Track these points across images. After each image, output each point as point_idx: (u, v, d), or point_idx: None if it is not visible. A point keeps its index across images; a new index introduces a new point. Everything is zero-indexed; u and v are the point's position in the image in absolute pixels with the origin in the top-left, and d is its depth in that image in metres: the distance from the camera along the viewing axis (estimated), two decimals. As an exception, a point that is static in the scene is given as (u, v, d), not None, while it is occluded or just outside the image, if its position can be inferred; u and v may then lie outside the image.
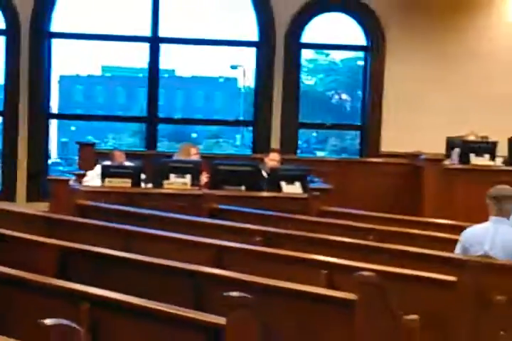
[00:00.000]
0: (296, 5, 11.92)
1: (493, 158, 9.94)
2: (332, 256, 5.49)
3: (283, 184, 8.27)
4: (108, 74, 14.25)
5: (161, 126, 12.23)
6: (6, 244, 5.73)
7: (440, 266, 5.33)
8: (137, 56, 12.18)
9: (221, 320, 3.58)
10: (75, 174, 8.69)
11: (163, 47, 11.93)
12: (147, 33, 11.77)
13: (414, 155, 10.67)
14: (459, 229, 6.12)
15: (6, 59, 11.39)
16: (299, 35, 12.12)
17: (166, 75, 12.85)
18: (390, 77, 12.15)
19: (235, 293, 3.61)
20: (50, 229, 6.51)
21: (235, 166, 8.64)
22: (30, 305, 4.14)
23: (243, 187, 8.19)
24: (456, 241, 5.99)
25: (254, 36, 12.08)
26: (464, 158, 9.94)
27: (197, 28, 12.01)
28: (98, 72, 14.08)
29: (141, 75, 12.27)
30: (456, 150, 10.17)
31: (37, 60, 11.45)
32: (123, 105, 13.73)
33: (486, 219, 5.90)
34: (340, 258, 5.36)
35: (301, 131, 12.44)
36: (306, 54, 12.79)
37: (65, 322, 3.01)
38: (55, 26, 11.61)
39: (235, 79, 13.66)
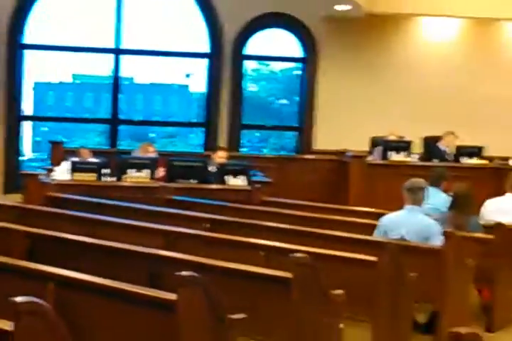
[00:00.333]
0: (242, 22, 11.94)
1: (409, 154, 10.07)
2: (271, 239, 5.52)
3: (229, 177, 8.28)
4: (78, 81, 14.09)
5: (122, 127, 12.20)
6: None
7: (363, 247, 5.38)
8: (103, 65, 12.09)
9: (172, 296, 3.57)
10: (46, 169, 8.62)
11: (125, 58, 11.89)
12: (111, 45, 11.71)
13: (342, 153, 10.75)
14: (379, 216, 6.20)
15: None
16: (244, 48, 12.15)
17: (127, 82, 12.77)
18: (322, 84, 12.22)
19: (184, 273, 3.60)
20: (23, 218, 6.42)
21: (187, 162, 8.64)
22: (2, 284, 4.08)
23: (195, 181, 8.18)
24: (376, 226, 6.06)
25: (206, 48, 12.08)
26: (384, 155, 10.04)
27: (155, 41, 11.96)
28: (69, 80, 13.89)
29: (106, 82, 12.18)
30: (378, 148, 10.27)
31: (12, 69, 11.32)
32: (90, 108, 13.58)
33: (401, 207, 5.99)
34: (278, 242, 5.39)
35: (245, 131, 12.47)
36: (250, 64, 12.78)
37: (33, 299, 2.98)
38: (28, 38, 11.47)
39: (188, 86, 13.59)
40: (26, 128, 12.18)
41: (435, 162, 9.95)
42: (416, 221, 5.82)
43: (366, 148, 10.75)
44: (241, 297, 4.28)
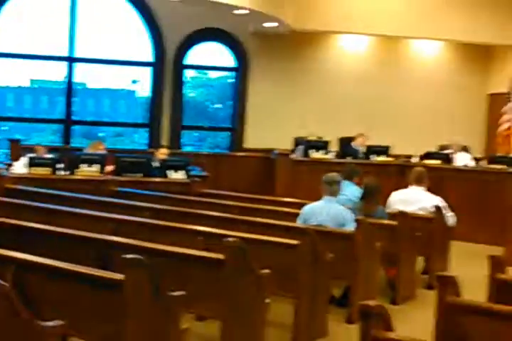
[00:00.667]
0: (182, 35, 11.91)
1: (326, 152, 10.17)
2: (207, 226, 5.51)
3: (170, 172, 8.25)
4: (35, 86, 13.83)
5: (75, 127, 12.05)
6: None
7: (287, 233, 5.41)
8: (58, 72, 11.94)
9: (120, 277, 3.55)
10: (5, 164, 8.45)
11: (78, 65, 11.77)
12: (66, 53, 11.57)
13: (269, 151, 10.77)
14: (301, 206, 6.25)
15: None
16: (184, 59, 12.12)
17: (80, 87, 12.60)
18: (252, 91, 12.26)
19: (130, 256, 3.58)
20: (-16, 208, 6.31)
21: (133, 158, 8.56)
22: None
23: (140, 175, 8.12)
24: (298, 215, 6.11)
25: (150, 58, 12.01)
26: (305, 153, 10.11)
27: (105, 51, 11.86)
28: (27, 84, 13.63)
29: (60, 87, 12.01)
30: (300, 147, 10.34)
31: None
32: (45, 110, 13.33)
33: (320, 198, 6.05)
34: (213, 228, 5.39)
35: (184, 131, 12.44)
36: (189, 73, 12.74)
37: (-6, 280, 2.92)
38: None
39: (135, 91, 13.47)
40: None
41: (349, 159, 10.05)
42: (332, 210, 5.89)
43: (290, 146, 10.83)
44: (181, 276, 4.28)
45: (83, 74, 12.19)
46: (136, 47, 12.04)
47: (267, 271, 4.45)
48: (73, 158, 8.17)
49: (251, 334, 4.31)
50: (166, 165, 8.36)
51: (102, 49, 11.85)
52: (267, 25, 11.33)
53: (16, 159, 8.86)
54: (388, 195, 7.15)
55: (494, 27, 11.85)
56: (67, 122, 11.83)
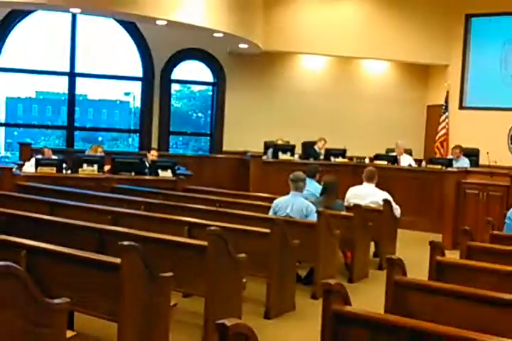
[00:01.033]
0: (168, 54, 11.85)
1: (292, 154, 10.20)
2: (192, 217, 5.51)
3: (159, 171, 8.22)
4: (41, 97, 13.70)
5: (77, 132, 11.97)
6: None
7: (260, 222, 5.42)
8: (61, 85, 11.85)
9: (117, 260, 3.54)
10: (17, 164, 8.35)
11: (78, 80, 11.65)
12: (67, 69, 11.46)
13: (244, 153, 10.79)
14: (272, 200, 6.27)
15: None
16: (170, 74, 12.04)
17: (81, 98, 12.51)
18: (228, 102, 12.24)
19: (126, 242, 3.57)
20: (-1, 202, 6.23)
21: (127, 159, 8.52)
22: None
23: (133, 173, 8.08)
24: (269, 207, 6.15)
25: (140, 73, 11.93)
26: (274, 155, 10.12)
27: (102, 67, 11.80)
28: (34, 95, 13.49)
29: (63, 98, 11.92)
30: (270, 150, 10.37)
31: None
32: (51, 117, 13.21)
33: (288, 193, 6.08)
34: (197, 219, 5.38)
35: (171, 136, 12.38)
36: (175, 86, 12.68)
37: (8, 264, 2.88)
38: (2, 63, 11.02)
39: (128, 102, 13.39)
40: (1, 132, 11.80)
41: (311, 160, 10.11)
42: (298, 203, 5.92)
43: (261, 149, 10.83)
44: (170, 260, 4.27)
45: (83, 87, 12.12)
46: (129, 64, 11.98)
47: (243, 255, 4.48)
48: (76, 159, 8.10)
49: (230, 309, 4.32)
50: (156, 165, 8.34)
51: (99, 65, 11.79)
52: (240, 46, 11.32)
53: (26, 160, 8.79)
54: (345, 190, 7.21)
55: (431, 49, 11.98)
56: (70, 128, 11.72)
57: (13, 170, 7.65)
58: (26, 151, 9.82)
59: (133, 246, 3.57)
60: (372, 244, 7.03)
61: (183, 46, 11.92)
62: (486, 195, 8.01)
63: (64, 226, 4.89)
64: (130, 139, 13.16)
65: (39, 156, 8.47)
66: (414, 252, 5.80)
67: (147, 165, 8.48)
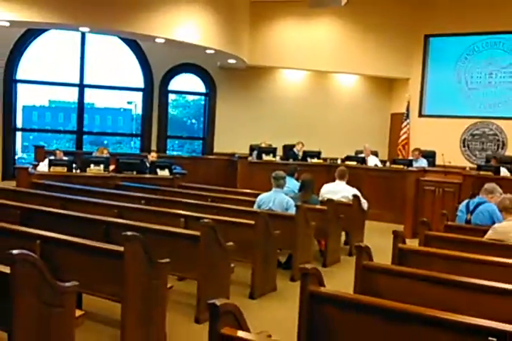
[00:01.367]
0: (166, 68, 11.82)
1: (274, 156, 10.19)
2: (186, 210, 5.49)
3: (158, 170, 8.18)
4: (53, 105, 13.58)
5: (85, 136, 11.88)
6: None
7: (246, 215, 5.40)
8: (71, 94, 11.78)
9: (121, 248, 3.52)
10: (32, 164, 8.27)
11: (87, 90, 11.57)
12: (77, 80, 11.40)
13: (232, 155, 10.76)
14: (256, 195, 6.25)
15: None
16: (167, 85, 11.99)
17: (89, 106, 12.39)
18: (218, 110, 12.22)
19: (129, 233, 3.55)
20: (16, 197, 6.14)
21: (130, 160, 8.46)
22: (2, 243, 3.89)
23: (135, 172, 8.03)
24: (254, 202, 6.13)
25: (141, 85, 11.87)
26: (259, 156, 10.10)
27: (107, 79, 11.74)
28: (47, 104, 13.38)
29: (73, 106, 11.83)
30: (255, 152, 10.36)
31: (9, 97, 10.81)
32: (62, 123, 13.10)
33: (270, 189, 6.07)
34: (192, 212, 5.36)
35: (169, 140, 12.33)
36: (172, 96, 12.61)
37: (25, 252, 2.86)
38: (20, 75, 11.00)
39: (130, 110, 13.32)
40: (18, 136, 11.71)
41: (291, 161, 10.12)
42: (279, 198, 5.92)
43: (247, 151, 10.82)
44: (167, 248, 4.25)
45: (91, 97, 12.04)
46: (131, 76, 11.93)
47: (231, 243, 4.47)
48: (84, 160, 8.04)
49: (220, 290, 4.30)
50: (155, 165, 8.29)
51: (105, 78, 11.73)
52: (229, 61, 11.31)
53: (40, 160, 8.71)
54: (320, 187, 7.21)
55: (395, 65, 12.05)
56: (79, 133, 11.65)
57: (29, 169, 7.59)
58: (40, 153, 9.73)
59: (135, 236, 3.55)
60: (344, 233, 7.05)
61: (178, 61, 11.90)
62: (441, 190, 8.07)
63: (74, 219, 4.85)
64: (132, 142, 13.08)
65: (52, 157, 8.38)
66: (379, 240, 5.81)
67: (147, 165, 8.42)
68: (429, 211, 7.81)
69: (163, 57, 11.68)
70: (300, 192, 6.55)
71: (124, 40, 11.36)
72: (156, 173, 8.12)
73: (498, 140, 11.37)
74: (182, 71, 12.11)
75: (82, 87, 11.52)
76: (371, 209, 7.56)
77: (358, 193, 7.05)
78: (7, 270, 2.82)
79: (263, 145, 10.64)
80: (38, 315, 2.87)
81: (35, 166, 8.19)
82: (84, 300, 4.01)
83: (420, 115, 12.08)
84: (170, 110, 12.48)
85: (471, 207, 5.17)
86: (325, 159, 10.60)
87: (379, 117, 12.70)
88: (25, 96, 11.83)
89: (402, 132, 11.73)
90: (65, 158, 8.47)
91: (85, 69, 11.44)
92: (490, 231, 4.55)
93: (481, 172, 8.25)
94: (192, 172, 9.25)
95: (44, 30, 10.82)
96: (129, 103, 13.18)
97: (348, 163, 9.86)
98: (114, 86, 12.01)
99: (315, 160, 10.34)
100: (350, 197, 6.96)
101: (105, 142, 12.83)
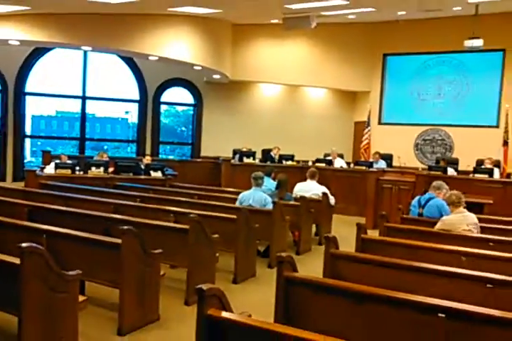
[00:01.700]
0: (159, 82, 11.76)
1: (254, 159, 10.16)
2: (177, 207, 5.47)
3: (152, 172, 8.12)
4: (59, 115, 13.37)
5: (87, 142, 11.73)
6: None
7: (229, 211, 5.39)
8: (75, 105, 11.63)
9: (118, 241, 3.48)
10: (39, 167, 8.14)
11: (89, 101, 11.46)
12: (80, 93, 11.30)
13: (217, 158, 10.74)
14: (238, 193, 6.23)
15: (1, 106, 10.59)
16: (160, 97, 11.91)
17: (90, 116, 12.25)
18: (205, 119, 12.18)
19: (125, 227, 3.52)
20: (25, 196, 6.06)
21: (127, 163, 8.39)
22: (12, 237, 3.83)
23: (131, 174, 7.96)
24: (236, 199, 6.09)
25: (137, 97, 11.77)
26: (240, 159, 10.04)
27: (107, 91, 11.62)
28: (53, 114, 13.17)
29: (77, 116, 11.68)
30: (237, 155, 10.32)
31: (18, 107, 10.68)
32: (67, 131, 12.89)
33: (250, 188, 6.04)
34: (181, 208, 5.34)
35: (161, 145, 12.24)
36: (164, 107, 12.52)
37: (33, 244, 2.81)
38: (29, 88, 10.87)
39: (127, 119, 13.17)
40: (27, 142, 11.54)
41: (268, 163, 10.09)
42: (258, 195, 5.91)
43: (230, 155, 10.77)
44: (160, 240, 4.21)
45: (92, 107, 11.92)
46: (128, 89, 11.84)
47: (216, 235, 4.45)
48: (86, 163, 7.94)
49: (207, 277, 4.27)
50: (149, 168, 8.22)
51: (104, 90, 11.63)
52: (214, 76, 11.30)
53: (47, 164, 8.57)
54: (293, 185, 7.21)
55: (357, 80, 12.13)
56: (82, 139, 11.55)
57: (36, 171, 7.47)
58: (47, 157, 9.59)
59: (130, 230, 3.51)
60: (314, 225, 7.07)
61: (170, 76, 11.85)
62: (397, 188, 8.15)
63: (76, 215, 4.79)
64: (129, 147, 12.95)
65: (57, 161, 8.26)
66: (345, 231, 5.84)
67: (142, 167, 8.35)
68: (387, 206, 7.86)
69: (156, 73, 11.61)
70: (276, 190, 6.55)
71: (122, 57, 11.29)
72: (150, 175, 8.06)
73: (446, 144, 11.52)
74: (173, 85, 12.05)
75: (84, 98, 11.42)
76: (338, 205, 7.60)
77: (327, 191, 7.08)
78: (17, 261, 2.78)
79: (244, 149, 10.61)
80: (45, 300, 2.83)
81: (42, 169, 8.07)
82: (87, 287, 3.95)
83: (379, 123, 12.18)
84: (162, 119, 12.39)
85: (423, 202, 5.21)
86: (298, 161, 10.61)
87: (344, 125, 12.77)
88: (34, 107, 11.70)
89: (364, 138, 11.81)
90: (69, 162, 8.35)
91: (87, 83, 11.34)
92: (439, 223, 4.61)
93: (432, 172, 8.34)
94: (182, 174, 9.20)
95: (50, 49, 10.69)
96: (126, 113, 13.06)
97: (317, 164, 9.88)
98: (113, 98, 11.91)
99: (289, 163, 10.34)
100: (320, 194, 6.98)
101: (105, 147, 12.67)
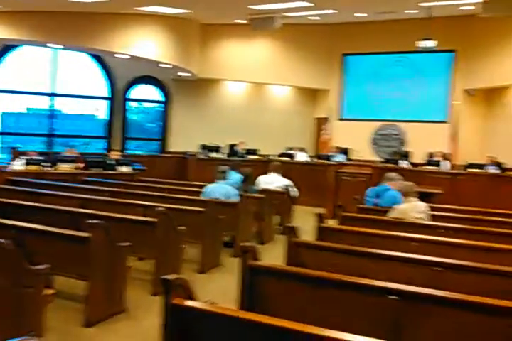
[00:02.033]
0: (127, 79, 11.56)
1: (220, 153, 10.14)
2: (145, 201, 5.36)
3: (120, 167, 7.96)
4: (30, 112, 12.94)
5: (56, 139, 11.43)
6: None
7: (195, 203, 5.33)
8: (44, 102, 11.26)
9: (86, 234, 3.40)
10: (7, 163, 7.84)
11: (57, 98, 11.17)
12: (49, 90, 11.01)
13: (184, 153, 10.65)
14: (204, 186, 6.16)
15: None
16: (128, 94, 11.70)
17: (59, 113, 11.89)
18: (173, 115, 12.04)
19: (94, 221, 3.44)
20: (-8, 192, 5.82)
21: (96, 158, 8.20)
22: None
23: (100, 169, 7.77)
24: (203, 192, 6.06)
25: (106, 94, 11.53)
26: (206, 154, 10.04)
27: (76, 88, 11.34)
28: (24, 111, 12.72)
29: (46, 113, 11.33)
30: (204, 150, 10.27)
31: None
32: (36, 127, 12.46)
33: (215, 181, 6.01)
34: (149, 202, 5.24)
35: (129, 141, 12.03)
36: (132, 104, 12.29)
37: (1, 240, 2.71)
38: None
39: (96, 115, 12.85)
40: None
41: (234, 157, 10.10)
42: (223, 188, 5.87)
43: (197, 150, 10.68)
44: (128, 233, 4.12)
45: (61, 104, 11.58)
46: (97, 86, 11.56)
47: (183, 227, 4.40)
48: (55, 159, 7.70)
49: (173, 268, 4.24)
50: (118, 163, 8.06)
51: (73, 87, 11.34)
52: (181, 74, 11.16)
53: (16, 160, 8.26)
54: (257, 178, 7.21)
55: (318, 78, 12.22)
56: (51, 135, 11.24)
57: (2, 168, 7.18)
58: (16, 153, 9.23)
59: (98, 224, 3.44)
60: (277, 216, 7.08)
61: (138, 74, 11.64)
62: (355, 180, 8.27)
63: (46, 210, 4.65)
64: (98, 144, 12.66)
65: (26, 157, 7.97)
66: (305, 221, 5.88)
67: (111, 162, 8.16)
68: (345, 196, 7.85)
69: (124, 70, 11.38)
70: (242, 183, 6.53)
71: (90, 55, 11.01)
72: (118, 170, 7.89)
73: (400, 138, 11.79)
74: (141, 82, 11.85)
75: (53, 95, 11.11)
76: (300, 196, 7.63)
77: (289, 183, 7.11)
78: (-19, 257, 2.67)
79: (210, 144, 10.56)
80: (13, 295, 2.73)
81: (9, 165, 7.77)
82: (55, 281, 3.84)
83: (339, 119, 12.33)
84: (131, 116, 12.17)
85: (379, 193, 5.31)
86: (262, 155, 10.65)
87: (306, 120, 12.86)
88: (4, 104, 11.35)
89: (324, 133, 11.94)
90: (38, 158, 8.08)
91: (56, 80, 11.03)
92: (392, 211, 4.70)
93: (387, 165, 8.52)
94: (150, 168, 9.04)
95: (19, 46, 10.30)
96: (95, 110, 12.73)
97: (281, 158, 9.94)
98: (82, 95, 11.61)
99: (254, 157, 10.37)
100: (283, 187, 7.01)
101: (75, 144, 12.35)
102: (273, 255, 5.07)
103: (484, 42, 10.44)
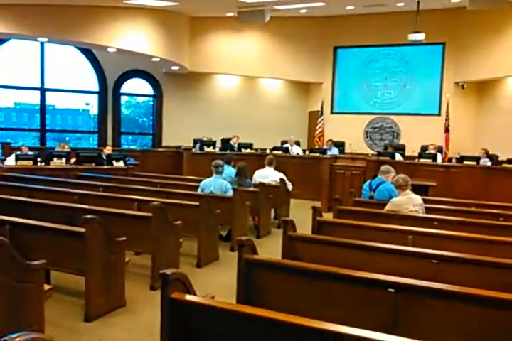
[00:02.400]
0: (118, 73, 11.43)
1: (214, 147, 10.10)
2: (140, 195, 5.36)
3: (114, 162, 7.91)
4: (18, 107, 12.78)
5: (48, 134, 11.29)
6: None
7: (191, 198, 5.35)
8: (34, 97, 11.13)
9: (82, 230, 3.40)
10: (2, 159, 7.78)
11: (48, 93, 11.00)
12: (39, 85, 10.82)
13: (178, 147, 10.59)
14: (200, 181, 6.18)
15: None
16: (120, 88, 11.59)
17: (51, 107, 11.77)
18: (165, 109, 11.97)
19: (88, 216, 3.43)
20: (-14, 188, 5.78)
21: (88, 153, 8.12)
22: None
23: (94, 164, 7.73)
24: (198, 186, 6.05)
25: (97, 88, 11.41)
26: (201, 148, 9.99)
27: (66, 83, 11.22)
28: (12, 106, 12.58)
29: (37, 107, 11.21)
30: (198, 144, 10.24)
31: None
32: (27, 122, 12.37)
33: (211, 176, 6.01)
34: (143, 197, 5.24)
35: (123, 135, 11.95)
36: (124, 98, 12.19)
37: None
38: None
39: (88, 110, 12.73)
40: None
41: (228, 151, 10.08)
42: (218, 183, 5.89)
43: (191, 144, 10.67)
44: (123, 228, 4.13)
45: (52, 99, 11.46)
46: (87, 81, 11.46)
47: (179, 222, 4.41)
48: (47, 154, 7.64)
49: (171, 262, 4.26)
50: (111, 157, 8.02)
51: (64, 82, 11.21)
52: (173, 68, 11.09)
53: (7, 155, 8.20)
54: (253, 172, 7.22)
55: (311, 71, 12.20)
56: (42, 130, 11.10)
57: (-3, 163, 7.13)
58: (7, 149, 9.16)
59: (93, 219, 3.43)
60: (273, 210, 7.12)
61: (129, 67, 11.53)
62: (349, 173, 8.31)
63: (40, 206, 4.62)
64: (91, 138, 12.58)
65: (18, 152, 7.91)
66: (301, 214, 5.92)
67: (104, 157, 8.12)
68: (340, 190, 7.99)
69: (115, 64, 11.28)
70: (236, 177, 6.54)
71: (80, 49, 10.88)
72: (112, 164, 7.85)
73: (393, 131, 11.83)
74: (132, 76, 11.75)
75: (43, 90, 10.96)
76: (294, 190, 7.67)
77: (284, 177, 7.13)
78: (-22, 253, 2.66)
79: (204, 138, 10.54)
80: (10, 290, 2.72)
81: (2, 161, 7.71)
82: (52, 276, 3.84)
83: (332, 112, 12.34)
84: (123, 110, 12.09)
85: (374, 186, 5.34)
86: (256, 149, 10.65)
87: (299, 114, 12.86)
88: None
89: (317, 126, 11.95)
90: (30, 153, 8.02)
91: (46, 74, 10.88)
92: (388, 205, 4.73)
93: (381, 158, 8.56)
94: (144, 163, 9.05)
95: (6, 40, 10.15)
96: (86, 104, 12.63)
97: (275, 152, 9.94)
98: (72, 89, 11.49)
99: (248, 151, 10.35)
100: (278, 180, 7.03)
101: (67, 138, 12.26)
102: (270, 248, 5.11)
103: (473, 35, 10.48)
